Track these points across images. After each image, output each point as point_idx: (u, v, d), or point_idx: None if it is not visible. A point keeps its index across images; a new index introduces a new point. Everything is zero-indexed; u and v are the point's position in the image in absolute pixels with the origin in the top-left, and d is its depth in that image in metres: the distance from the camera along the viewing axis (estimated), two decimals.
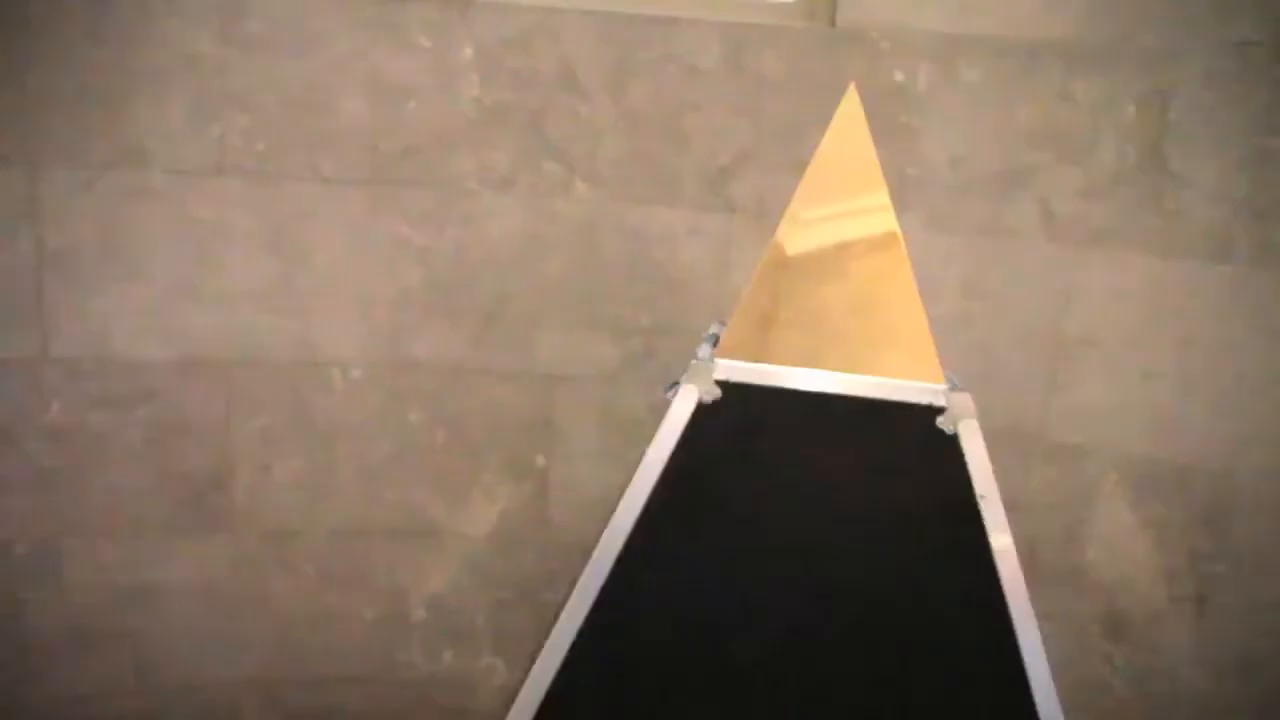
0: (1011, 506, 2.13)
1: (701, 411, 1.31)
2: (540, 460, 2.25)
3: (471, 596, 2.27)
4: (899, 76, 2.07)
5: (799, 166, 2.11)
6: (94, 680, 2.11)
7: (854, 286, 1.34)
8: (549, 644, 1.26)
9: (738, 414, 1.31)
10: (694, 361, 1.32)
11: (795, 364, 1.31)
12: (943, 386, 1.29)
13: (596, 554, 1.28)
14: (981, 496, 1.25)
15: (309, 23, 1.99)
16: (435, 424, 2.21)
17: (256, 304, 2.07)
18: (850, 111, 1.38)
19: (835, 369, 1.30)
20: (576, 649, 1.26)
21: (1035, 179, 2.07)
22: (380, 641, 2.24)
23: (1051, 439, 2.13)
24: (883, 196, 1.35)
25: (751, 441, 1.31)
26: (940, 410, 1.28)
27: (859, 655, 1.27)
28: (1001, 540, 1.24)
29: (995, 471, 1.26)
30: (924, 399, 1.28)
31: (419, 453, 2.21)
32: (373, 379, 2.17)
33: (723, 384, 1.31)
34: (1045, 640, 1.25)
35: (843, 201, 1.36)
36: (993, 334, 2.13)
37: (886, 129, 2.10)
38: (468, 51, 2.05)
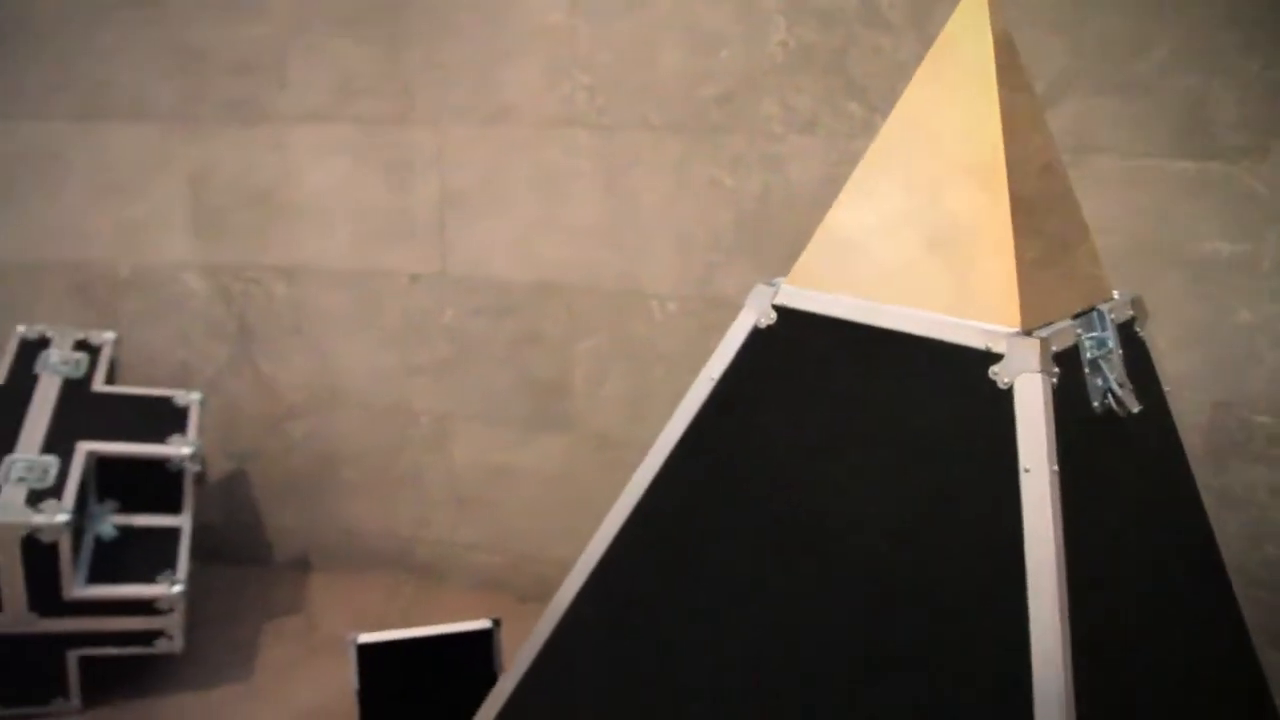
0: None
1: (757, 336, 1.26)
2: None
3: None
4: None
5: (1128, 88, 1.77)
6: (467, 535, 2.66)
7: (940, 214, 1.15)
8: (585, 552, 1.35)
9: (792, 343, 1.23)
10: (759, 284, 1.27)
11: (864, 295, 1.18)
12: (1007, 330, 1.06)
13: (636, 475, 1.32)
14: (1026, 470, 1.01)
15: None
16: None
17: (594, 239, 2.38)
18: (974, 7, 1.17)
19: (905, 304, 1.15)
20: (605, 563, 1.33)
21: None
22: None
23: None
24: (992, 112, 1.14)
25: (798, 373, 1.22)
26: (997, 358, 1.06)
27: (857, 623, 1.12)
28: (1036, 522, 0.99)
29: None
30: (979, 342, 1.07)
31: None
32: (686, 313, 2.34)
33: (780, 309, 1.25)
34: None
35: (945, 117, 1.17)
36: None
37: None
38: None
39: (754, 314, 1.26)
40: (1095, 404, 1.12)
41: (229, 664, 2.28)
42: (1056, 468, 1.01)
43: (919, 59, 1.97)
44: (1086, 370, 1.12)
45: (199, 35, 2.37)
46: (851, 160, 2.07)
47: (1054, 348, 1.07)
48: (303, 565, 2.72)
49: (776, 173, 2.18)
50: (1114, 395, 1.13)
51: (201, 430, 2.32)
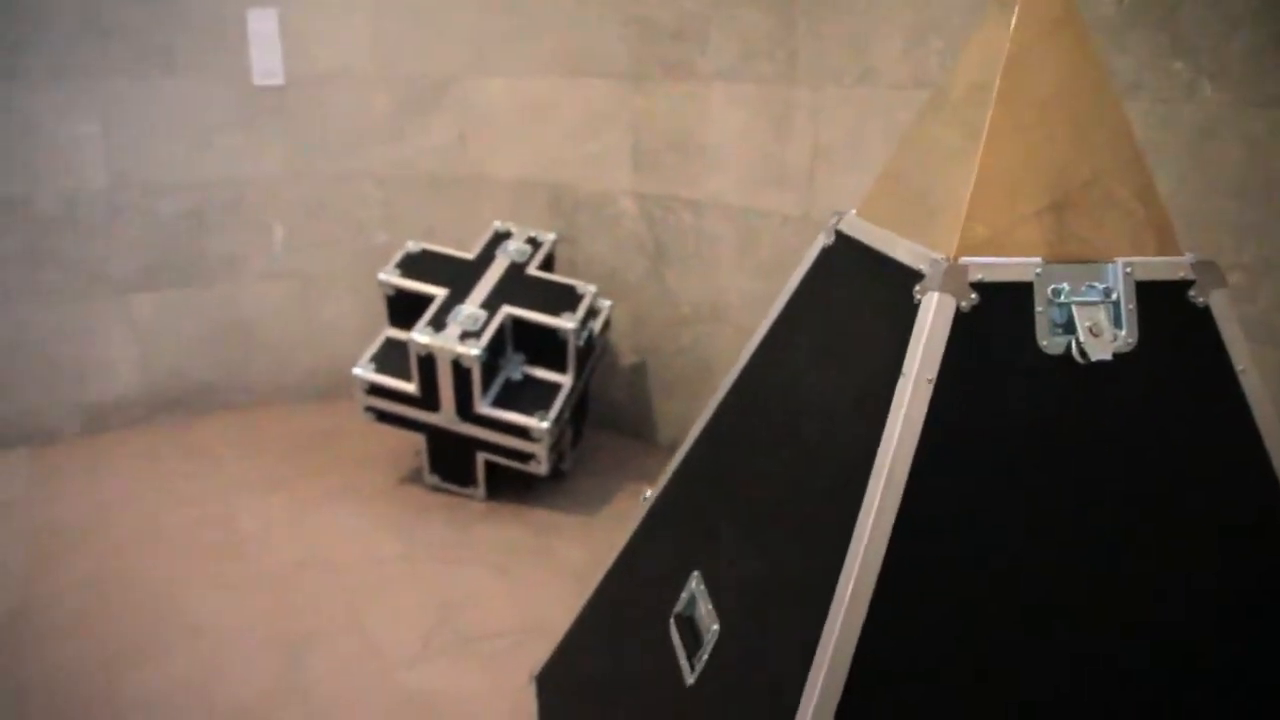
0: None
1: (823, 255, 1.45)
2: None
3: None
4: None
5: None
6: None
7: (928, 152, 1.24)
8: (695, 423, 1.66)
9: (836, 262, 1.40)
10: (835, 211, 1.45)
11: (884, 224, 1.32)
12: (939, 255, 1.14)
13: (729, 375, 1.60)
14: (904, 374, 1.11)
15: None
16: None
17: None
18: None
19: (901, 232, 1.27)
20: (702, 436, 1.63)
21: None
22: None
23: None
24: (997, 57, 1.19)
25: (830, 286, 1.39)
26: (920, 276, 1.15)
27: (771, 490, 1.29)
28: (893, 425, 1.09)
29: None
30: (917, 264, 1.17)
31: None
32: None
33: (838, 233, 1.42)
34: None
35: (969, 60, 1.24)
36: None
37: None
38: None
39: (824, 236, 1.45)
40: (1044, 342, 1.12)
41: (587, 501, 2.95)
42: (932, 378, 1.09)
43: (1259, 10, 1.78)
44: (1040, 308, 1.13)
45: (648, 8, 2.99)
46: (1171, 126, 1.96)
47: (981, 277, 1.12)
48: (675, 448, 3.29)
49: None
50: (1077, 342, 1.12)
51: (604, 318, 3.00)
